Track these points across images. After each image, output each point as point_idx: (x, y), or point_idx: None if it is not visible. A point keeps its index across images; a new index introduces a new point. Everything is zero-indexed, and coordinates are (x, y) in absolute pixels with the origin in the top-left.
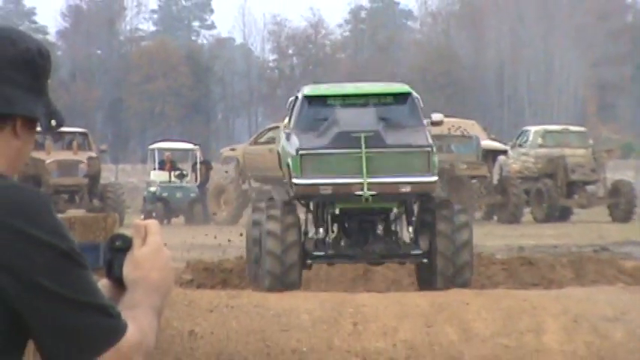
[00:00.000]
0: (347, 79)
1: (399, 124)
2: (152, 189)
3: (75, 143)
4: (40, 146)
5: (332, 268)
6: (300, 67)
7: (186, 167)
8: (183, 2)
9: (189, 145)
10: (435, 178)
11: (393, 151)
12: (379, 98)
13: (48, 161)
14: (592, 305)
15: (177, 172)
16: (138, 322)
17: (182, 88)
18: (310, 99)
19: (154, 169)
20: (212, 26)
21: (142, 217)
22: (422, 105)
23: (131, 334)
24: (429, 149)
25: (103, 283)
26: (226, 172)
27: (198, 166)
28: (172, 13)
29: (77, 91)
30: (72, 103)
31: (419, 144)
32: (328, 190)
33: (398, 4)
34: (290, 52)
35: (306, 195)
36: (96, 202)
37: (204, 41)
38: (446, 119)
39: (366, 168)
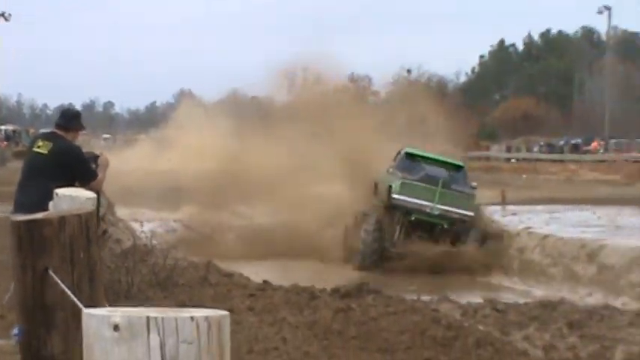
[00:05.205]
0: None
1: (457, 180)
2: None
3: None
4: None
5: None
6: None
7: None
8: None
9: None
10: (472, 214)
11: (453, 192)
12: (447, 164)
13: None
14: None
15: None
16: (101, 174)
17: None
18: (409, 154)
19: None
20: None
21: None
22: (467, 172)
23: (99, 176)
24: (473, 194)
25: (92, 165)
26: None
27: None
28: None
29: None
30: None
31: (467, 192)
32: (412, 205)
33: None
34: None
35: (399, 205)
36: None
37: None
38: None
39: (438, 198)
